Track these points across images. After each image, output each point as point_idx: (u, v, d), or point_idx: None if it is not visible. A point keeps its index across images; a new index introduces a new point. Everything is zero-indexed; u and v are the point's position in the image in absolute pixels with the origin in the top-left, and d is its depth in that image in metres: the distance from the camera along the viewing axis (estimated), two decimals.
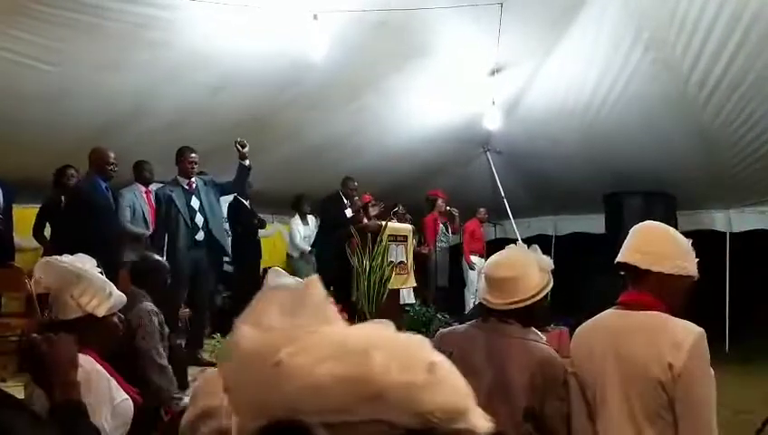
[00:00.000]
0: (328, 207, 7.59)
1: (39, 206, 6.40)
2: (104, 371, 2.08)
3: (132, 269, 4.11)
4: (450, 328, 2.65)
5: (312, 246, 7.97)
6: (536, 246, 2.51)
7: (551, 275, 2.40)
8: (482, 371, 2.28)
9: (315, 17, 5.26)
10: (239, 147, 5.70)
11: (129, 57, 5.42)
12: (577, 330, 2.34)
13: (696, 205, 9.20)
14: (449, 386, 0.71)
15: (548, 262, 2.42)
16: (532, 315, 2.35)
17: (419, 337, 0.76)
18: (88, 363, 1.99)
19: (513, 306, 2.30)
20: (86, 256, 2.30)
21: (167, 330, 3.86)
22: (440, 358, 0.73)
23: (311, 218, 8.48)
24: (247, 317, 0.79)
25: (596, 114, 7.88)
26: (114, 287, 2.24)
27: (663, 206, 8.79)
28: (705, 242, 8.48)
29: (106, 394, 2.00)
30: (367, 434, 0.65)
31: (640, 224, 2.27)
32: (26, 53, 4.96)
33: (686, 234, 8.34)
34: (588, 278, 8.90)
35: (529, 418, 2.24)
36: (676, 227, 8.27)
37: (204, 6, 4.96)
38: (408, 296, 7.06)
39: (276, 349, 0.70)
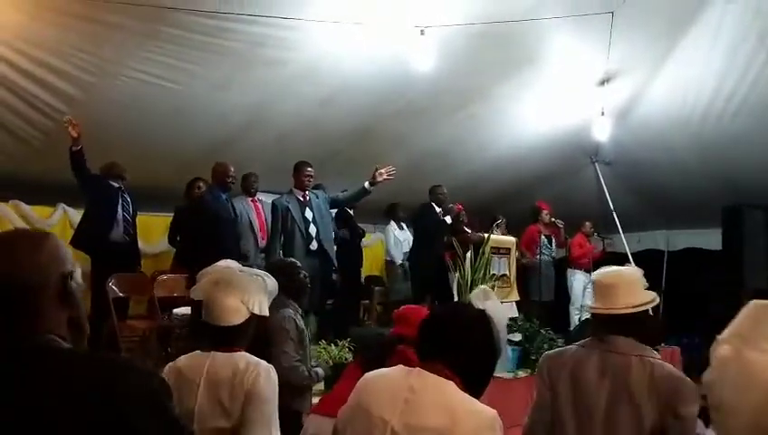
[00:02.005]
0: (422, 217, 7.58)
1: (162, 214, 6.87)
2: None
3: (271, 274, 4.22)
4: (558, 350, 2.59)
5: (408, 258, 8.02)
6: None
7: (657, 297, 2.40)
8: (597, 391, 2.27)
9: (422, 32, 5.34)
10: (380, 174, 5.85)
11: (245, 74, 5.73)
12: None
13: None
14: None
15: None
16: (643, 330, 2.33)
17: None
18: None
19: (617, 312, 2.29)
20: (231, 261, 2.45)
21: (306, 332, 3.94)
22: None
23: (405, 225, 8.57)
24: (737, 336, 0.73)
25: (715, 123, 7.49)
26: (274, 288, 2.42)
27: None
28: None
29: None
30: None
31: None
32: (155, 72, 5.37)
33: None
34: (703, 297, 8.45)
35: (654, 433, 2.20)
36: None
37: (317, 25, 5.16)
38: (510, 309, 6.95)
39: None
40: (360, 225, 7.76)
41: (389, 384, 1.89)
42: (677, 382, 2.22)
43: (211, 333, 2.33)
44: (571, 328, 7.96)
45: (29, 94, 5.30)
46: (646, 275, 8.17)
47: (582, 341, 2.46)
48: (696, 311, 8.18)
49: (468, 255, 6.17)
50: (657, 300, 2.40)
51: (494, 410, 1.79)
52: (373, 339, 3.62)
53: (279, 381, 2.29)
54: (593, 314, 2.41)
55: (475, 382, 1.85)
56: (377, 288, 8.27)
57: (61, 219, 6.64)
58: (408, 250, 8.16)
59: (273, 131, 6.70)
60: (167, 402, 1.29)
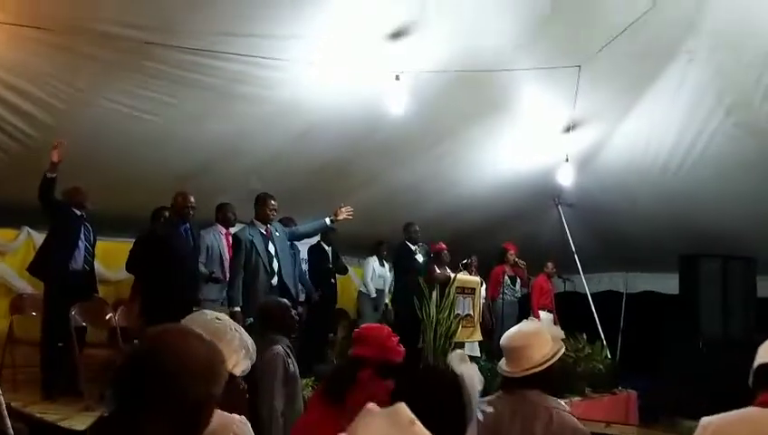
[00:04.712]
0: (399, 256, 7.72)
1: (126, 240, 6.78)
2: None
3: (261, 315, 4.17)
4: (488, 397, 2.76)
5: (392, 297, 8.14)
6: (549, 316, 2.80)
7: (562, 344, 2.62)
8: (509, 431, 2.47)
9: (397, 78, 5.47)
10: (341, 212, 5.87)
11: (222, 108, 5.76)
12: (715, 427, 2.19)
13: None
14: None
15: (558, 332, 2.70)
16: (549, 382, 2.54)
17: None
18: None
19: (524, 374, 2.50)
20: (222, 314, 2.35)
21: (294, 369, 3.93)
22: None
23: (386, 262, 8.68)
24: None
25: (674, 173, 7.79)
26: (251, 347, 2.27)
27: (742, 270, 8.53)
28: None
29: None
30: None
31: None
32: (134, 105, 5.39)
33: (766, 299, 8.04)
34: (660, 340, 8.68)
35: None
36: (755, 291, 8.03)
37: (296, 65, 5.25)
38: (472, 349, 7.04)
39: None
40: None
41: None
42: (570, 431, 2.45)
43: None
44: None
45: None
46: (606, 316, 8.29)
47: (500, 392, 2.65)
48: (653, 355, 8.39)
49: (434, 294, 6.28)
50: (562, 351, 2.60)
51: None
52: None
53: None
54: (505, 377, 2.60)
55: None
56: (342, 322, 8.29)
57: (25, 243, 6.57)
58: (383, 287, 8.34)
59: (246, 162, 6.71)
60: None
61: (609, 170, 8.09)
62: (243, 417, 2.23)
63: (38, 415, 4.46)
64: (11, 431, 2.83)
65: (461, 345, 6.52)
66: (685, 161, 7.58)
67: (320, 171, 7.17)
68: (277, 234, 5.85)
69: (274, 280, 5.71)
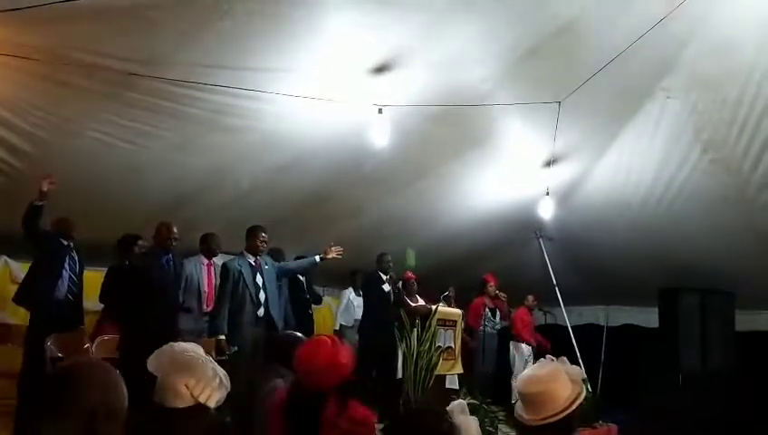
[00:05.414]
0: (369, 285, 7.72)
1: (103, 269, 6.71)
2: None
3: (275, 346, 4.01)
4: None
5: (359, 328, 8.10)
6: (564, 358, 2.56)
7: (582, 385, 2.46)
8: None
9: (380, 111, 5.54)
10: (331, 251, 5.95)
11: (207, 139, 5.79)
12: None
13: (756, 304, 8.94)
14: None
15: (577, 372, 2.49)
16: (568, 428, 2.39)
17: None
18: None
19: (545, 422, 2.34)
20: (195, 344, 2.31)
21: None
22: None
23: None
24: None
25: (653, 208, 7.88)
26: (224, 377, 2.22)
27: (721, 304, 8.62)
28: (764, 343, 8.31)
29: None
30: None
31: None
32: (113, 133, 5.40)
33: (745, 334, 8.15)
34: (640, 373, 8.70)
35: None
36: (733, 326, 8.09)
37: (279, 97, 5.30)
38: (452, 381, 7.02)
39: None
40: None
41: None
42: None
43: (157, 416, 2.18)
44: (513, 401, 8.07)
45: None
46: (586, 349, 8.38)
47: None
48: (633, 388, 8.40)
49: (416, 326, 6.27)
50: (583, 394, 2.43)
51: None
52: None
53: None
54: (522, 424, 2.43)
55: None
56: None
57: (2, 271, 6.49)
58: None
59: (230, 194, 6.73)
60: None
61: (589, 204, 8.18)
62: None
63: None
64: None
65: (442, 378, 6.52)
66: (664, 196, 7.68)
67: (304, 203, 7.20)
68: (266, 266, 5.90)
69: (260, 311, 5.74)
